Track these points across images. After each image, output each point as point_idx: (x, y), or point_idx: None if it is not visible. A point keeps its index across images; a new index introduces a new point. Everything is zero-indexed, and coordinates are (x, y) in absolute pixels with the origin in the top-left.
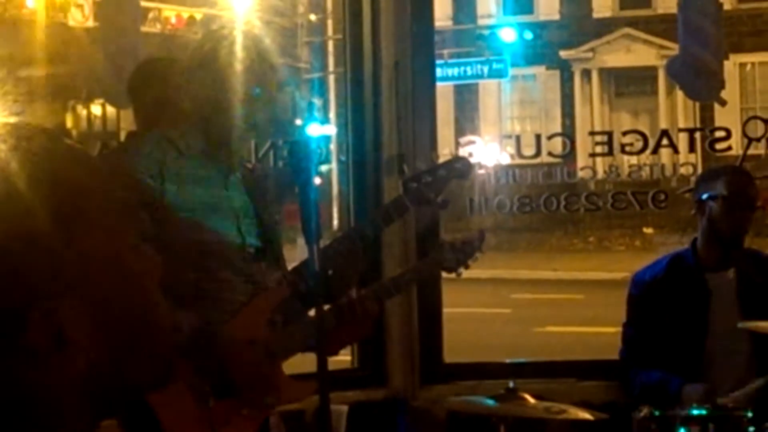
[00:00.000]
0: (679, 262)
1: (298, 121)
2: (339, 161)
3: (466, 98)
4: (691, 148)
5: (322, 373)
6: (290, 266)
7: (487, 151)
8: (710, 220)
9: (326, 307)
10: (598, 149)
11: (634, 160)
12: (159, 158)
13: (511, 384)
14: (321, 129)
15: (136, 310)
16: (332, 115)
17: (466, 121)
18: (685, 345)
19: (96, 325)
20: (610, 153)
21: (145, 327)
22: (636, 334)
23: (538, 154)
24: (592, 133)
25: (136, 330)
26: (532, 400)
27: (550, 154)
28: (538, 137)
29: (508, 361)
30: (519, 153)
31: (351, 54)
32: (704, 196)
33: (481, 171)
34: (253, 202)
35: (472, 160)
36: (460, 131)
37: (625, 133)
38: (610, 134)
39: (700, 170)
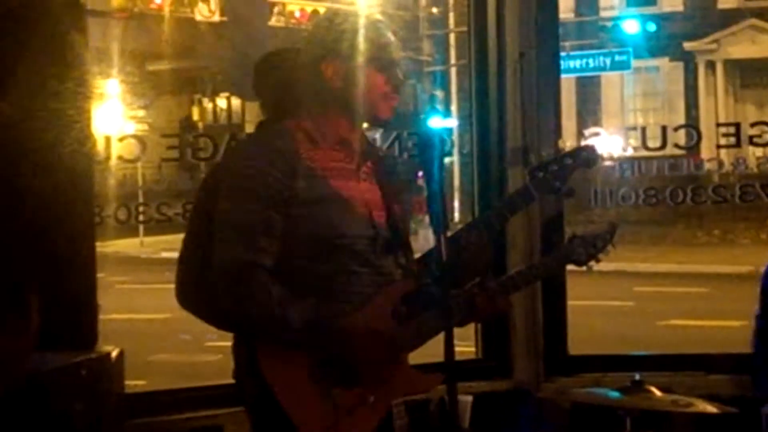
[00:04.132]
0: None
1: (421, 114)
2: (461, 154)
3: (588, 90)
4: None
5: (450, 365)
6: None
7: (610, 144)
8: None
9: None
10: (725, 141)
11: (759, 152)
12: (291, 150)
13: (637, 376)
14: (443, 122)
15: None
16: (454, 107)
17: (588, 113)
18: None
19: None
20: (738, 145)
21: None
22: None
23: (663, 146)
24: (720, 125)
25: None
26: (658, 392)
27: (676, 146)
28: (663, 129)
29: (632, 353)
30: (644, 145)
31: (475, 46)
32: None
33: (607, 163)
34: (384, 193)
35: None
36: (582, 124)
37: (752, 125)
38: (737, 126)
39: None
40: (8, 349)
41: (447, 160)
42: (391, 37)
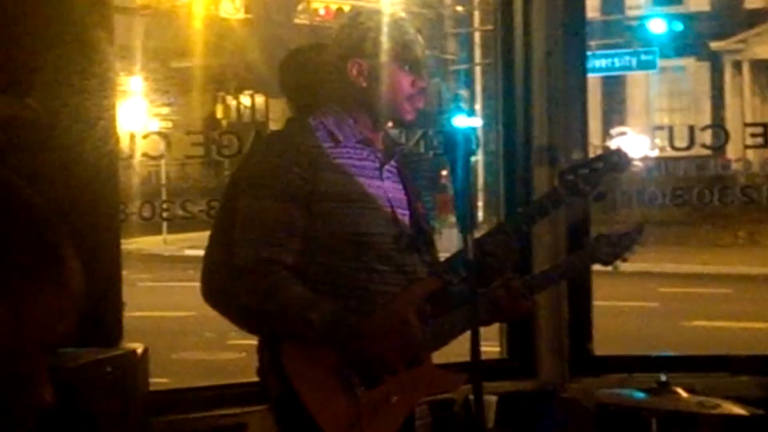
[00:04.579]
0: None
1: (445, 113)
2: (485, 153)
3: (613, 90)
4: None
5: (476, 365)
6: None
7: (636, 143)
8: None
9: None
10: (752, 141)
11: None
12: (313, 147)
13: (663, 377)
14: (467, 121)
15: None
16: (478, 106)
17: (613, 113)
18: None
19: None
20: (766, 145)
21: None
22: None
23: (691, 145)
24: (748, 125)
25: None
26: (684, 394)
27: (703, 146)
28: (691, 129)
29: (658, 354)
30: (672, 144)
31: (502, 44)
32: None
33: (635, 164)
34: (407, 192)
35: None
36: (607, 123)
37: None
38: (765, 126)
39: None
40: (46, 311)
41: (472, 159)
42: (417, 36)
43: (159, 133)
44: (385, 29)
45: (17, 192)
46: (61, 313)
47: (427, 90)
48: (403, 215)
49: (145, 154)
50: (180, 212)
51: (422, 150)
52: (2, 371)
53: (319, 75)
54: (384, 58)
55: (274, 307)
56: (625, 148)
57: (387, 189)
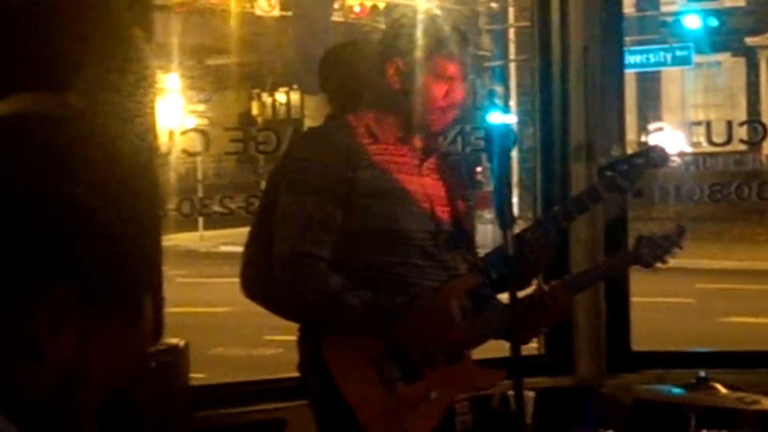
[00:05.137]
0: None
1: (480, 109)
2: (519, 149)
3: (648, 86)
4: None
5: (516, 361)
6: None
7: (673, 139)
8: None
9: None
10: None
11: None
12: (352, 144)
13: (702, 373)
14: (502, 117)
15: None
16: (513, 103)
17: (648, 108)
18: None
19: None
20: None
21: None
22: None
23: (729, 141)
24: None
25: None
26: (723, 389)
27: (741, 141)
28: (729, 124)
29: (695, 350)
30: (709, 140)
31: (539, 40)
32: None
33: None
34: (447, 188)
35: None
36: (642, 119)
37: None
38: None
39: None
40: (117, 346)
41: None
42: (462, 47)
43: (198, 130)
44: (427, 34)
45: (100, 220)
46: (126, 359)
47: (460, 104)
48: (443, 212)
49: (184, 151)
50: (218, 208)
51: (459, 147)
52: (51, 408)
53: (359, 72)
54: (420, 64)
55: (315, 297)
56: (662, 144)
57: (426, 186)
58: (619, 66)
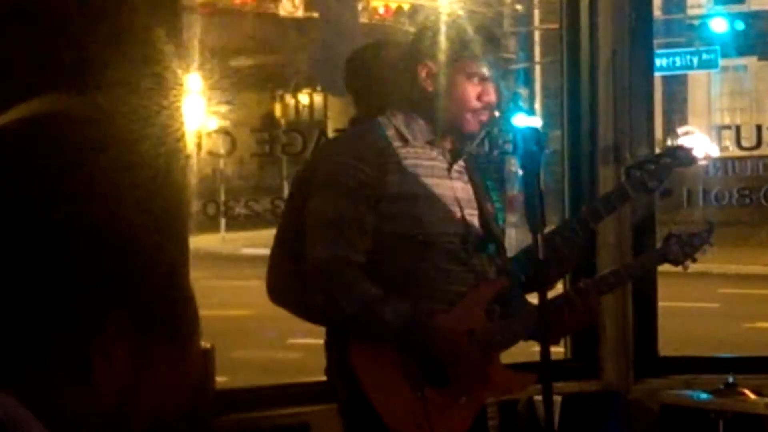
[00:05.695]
0: None
1: (505, 112)
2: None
3: (674, 89)
4: None
5: (546, 365)
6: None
7: (701, 142)
8: None
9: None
10: None
11: None
12: (383, 147)
13: (730, 379)
14: (527, 120)
15: None
16: (538, 105)
17: (674, 112)
18: None
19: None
20: None
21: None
22: None
23: (758, 145)
24: None
25: None
26: (752, 395)
27: None
28: (758, 128)
29: (723, 355)
30: (738, 144)
31: (567, 43)
32: None
33: (701, 162)
34: (476, 191)
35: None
36: (668, 122)
37: None
38: None
39: None
40: (167, 374)
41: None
42: (486, 37)
43: (223, 132)
44: (458, 36)
45: (144, 244)
46: (174, 389)
47: (493, 105)
48: (472, 215)
49: (209, 152)
50: (243, 211)
51: (486, 149)
52: None
53: (387, 74)
54: (453, 66)
55: (349, 306)
56: (690, 146)
57: (455, 189)
58: (649, 69)
